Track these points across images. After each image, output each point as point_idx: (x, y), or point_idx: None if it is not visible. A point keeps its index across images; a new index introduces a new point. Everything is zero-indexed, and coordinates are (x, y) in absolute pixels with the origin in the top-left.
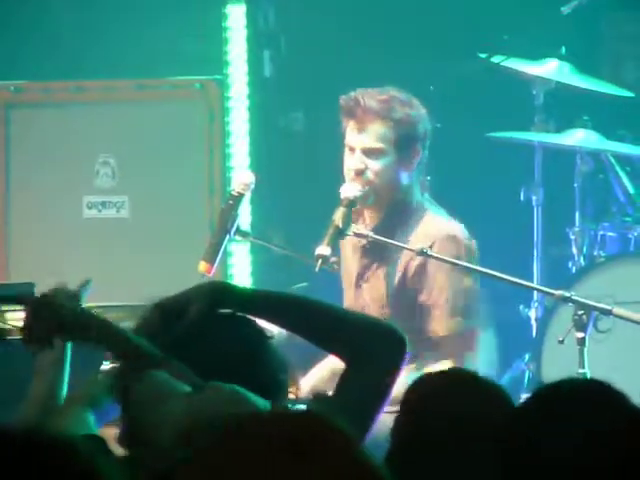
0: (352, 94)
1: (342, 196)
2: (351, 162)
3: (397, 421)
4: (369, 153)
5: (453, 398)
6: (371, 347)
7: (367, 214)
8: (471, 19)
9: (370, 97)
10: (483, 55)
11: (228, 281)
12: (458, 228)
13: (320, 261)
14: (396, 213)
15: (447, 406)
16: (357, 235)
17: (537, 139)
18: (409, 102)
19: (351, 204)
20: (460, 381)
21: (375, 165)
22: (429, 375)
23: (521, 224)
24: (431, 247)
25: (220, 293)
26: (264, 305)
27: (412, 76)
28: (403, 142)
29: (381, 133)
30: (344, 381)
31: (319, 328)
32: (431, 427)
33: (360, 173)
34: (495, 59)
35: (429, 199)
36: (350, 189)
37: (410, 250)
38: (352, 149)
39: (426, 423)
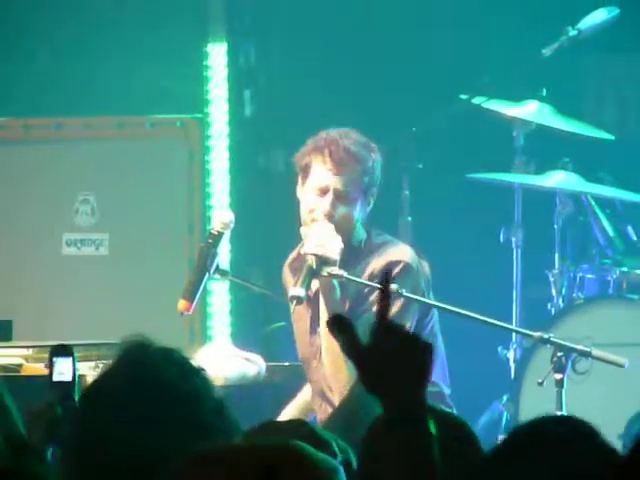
0: (325, 133)
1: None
2: (322, 204)
3: None
4: (341, 197)
5: None
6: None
7: None
8: (452, 61)
9: (346, 139)
10: (464, 96)
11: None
12: (399, 253)
13: (294, 302)
14: (350, 253)
15: None
16: (331, 276)
17: (517, 181)
18: (372, 147)
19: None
20: None
21: (345, 210)
22: None
23: (500, 265)
24: (374, 275)
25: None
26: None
27: (394, 117)
28: (369, 187)
29: (355, 178)
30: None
31: None
32: None
33: (330, 217)
34: (476, 100)
35: (378, 232)
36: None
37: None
38: (324, 190)
39: None
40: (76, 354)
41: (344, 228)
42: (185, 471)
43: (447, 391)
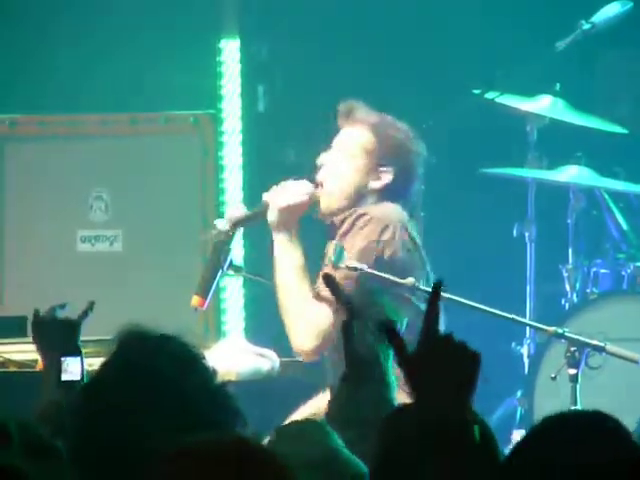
0: (348, 102)
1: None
2: (320, 158)
3: None
4: (341, 151)
5: None
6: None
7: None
8: (466, 55)
9: (363, 109)
10: (477, 91)
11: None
12: (375, 208)
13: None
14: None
15: None
16: (349, 268)
17: (530, 175)
18: (402, 130)
19: None
20: None
21: (336, 166)
22: None
23: (514, 260)
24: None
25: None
26: None
27: (407, 112)
28: (374, 158)
29: (359, 140)
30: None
31: None
32: None
33: (321, 166)
34: (489, 95)
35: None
36: None
37: (401, 284)
38: (334, 143)
39: None
40: (90, 350)
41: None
42: (159, 466)
43: None
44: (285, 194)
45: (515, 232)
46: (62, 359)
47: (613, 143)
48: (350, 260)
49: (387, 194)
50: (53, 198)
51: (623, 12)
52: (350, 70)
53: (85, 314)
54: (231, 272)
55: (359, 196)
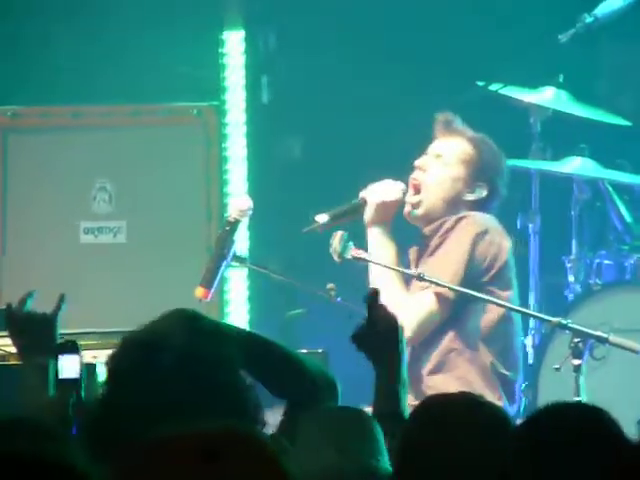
0: (448, 113)
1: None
2: (417, 161)
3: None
4: (438, 158)
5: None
6: (311, 395)
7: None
8: (469, 48)
9: (462, 124)
10: (481, 83)
11: (190, 308)
12: (477, 213)
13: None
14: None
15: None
16: (356, 259)
17: (534, 167)
18: (497, 151)
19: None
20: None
21: (437, 172)
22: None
23: (518, 252)
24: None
25: (195, 320)
26: (235, 336)
27: (411, 104)
28: (471, 170)
29: (458, 150)
30: (284, 418)
31: (271, 373)
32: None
33: (420, 169)
34: (493, 87)
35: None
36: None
37: (408, 274)
38: (431, 151)
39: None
40: (94, 342)
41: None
42: (132, 458)
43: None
44: (382, 191)
45: (519, 224)
46: (59, 356)
47: (617, 135)
48: (356, 250)
49: (477, 208)
50: (56, 189)
51: (626, 5)
52: (354, 62)
53: (58, 308)
54: (235, 263)
55: (452, 206)
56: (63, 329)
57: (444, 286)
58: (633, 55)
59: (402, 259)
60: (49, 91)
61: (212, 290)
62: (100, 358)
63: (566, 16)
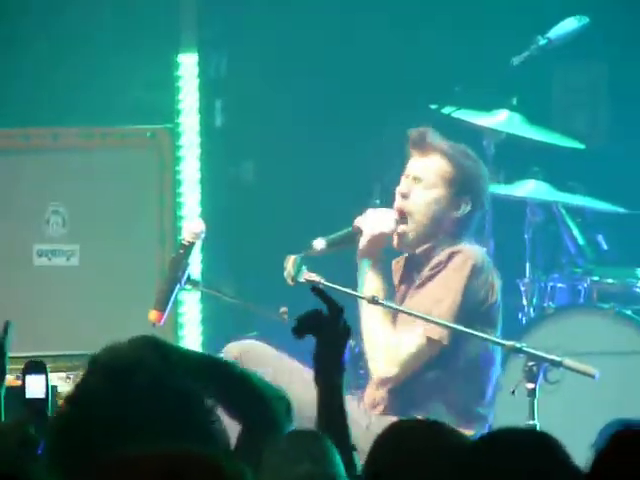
0: (420, 129)
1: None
2: (399, 187)
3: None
4: (417, 181)
5: None
6: (266, 419)
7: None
8: (422, 70)
9: (438, 137)
10: (434, 106)
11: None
12: (470, 247)
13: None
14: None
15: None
16: (309, 282)
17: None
18: (477, 162)
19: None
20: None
21: (420, 196)
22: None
23: None
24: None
25: (161, 347)
26: (194, 362)
27: (362, 127)
28: (454, 188)
29: (437, 169)
30: (241, 442)
31: (231, 397)
32: None
33: (404, 196)
34: (446, 110)
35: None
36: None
37: (361, 298)
38: (407, 176)
39: None
40: (47, 365)
41: (416, 213)
42: (97, 476)
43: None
44: (376, 221)
45: None
46: (26, 376)
47: (570, 158)
48: (309, 274)
49: (463, 223)
50: (9, 212)
51: (579, 27)
52: (308, 86)
53: (5, 333)
54: (189, 286)
55: (439, 226)
56: (14, 352)
57: (399, 310)
58: (586, 77)
59: (389, 292)
60: (6, 113)
61: (165, 313)
62: (53, 381)
63: (520, 39)
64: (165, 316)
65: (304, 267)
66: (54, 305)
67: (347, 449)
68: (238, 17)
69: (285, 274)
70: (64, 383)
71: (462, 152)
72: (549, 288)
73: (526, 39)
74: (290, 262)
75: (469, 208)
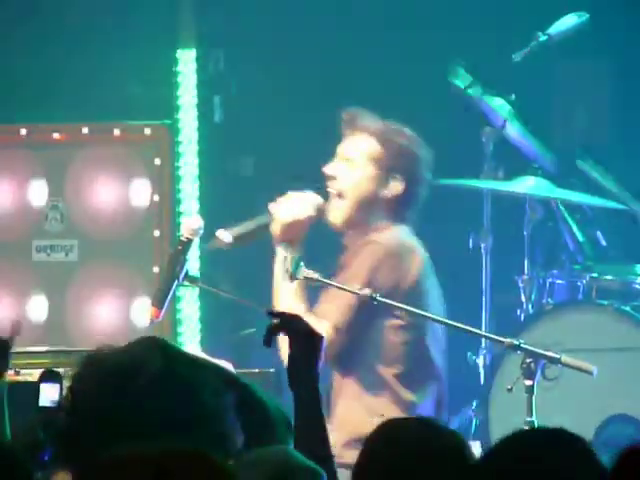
0: (352, 110)
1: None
2: (327, 167)
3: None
4: (347, 162)
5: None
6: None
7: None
8: (423, 65)
9: (368, 117)
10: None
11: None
12: (387, 235)
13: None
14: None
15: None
16: (307, 279)
17: (486, 186)
18: (409, 138)
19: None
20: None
21: (350, 176)
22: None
23: (470, 271)
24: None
25: (166, 348)
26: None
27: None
28: (383, 166)
29: (364, 147)
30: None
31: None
32: None
33: (332, 177)
34: (464, 86)
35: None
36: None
37: (357, 294)
38: (339, 154)
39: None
40: (44, 361)
41: (346, 190)
42: (88, 475)
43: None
44: (292, 207)
45: (471, 243)
46: (41, 385)
47: (570, 154)
48: (307, 271)
49: (398, 203)
50: (8, 208)
51: (579, 24)
52: (305, 82)
53: (15, 334)
54: (187, 283)
55: (371, 206)
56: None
57: (397, 307)
58: (586, 74)
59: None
60: (1, 109)
61: (163, 310)
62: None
63: (520, 35)
64: (163, 313)
65: (302, 264)
66: (52, 300)
67: (328, 454)
68: (236, 13)
69: (284, 271)
70: (64, 380)
71: (396, 131)
72: (548, 284)
73: (526, 35)
74: (288, 260)
75: (402, 187)
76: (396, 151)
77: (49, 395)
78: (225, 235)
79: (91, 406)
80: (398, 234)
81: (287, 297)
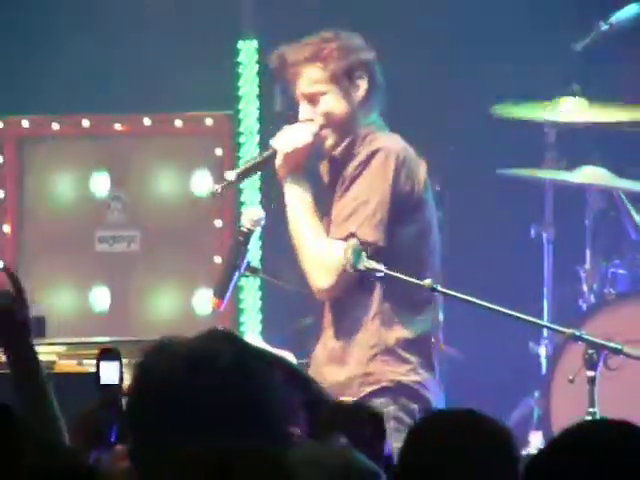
0: (275, 52)
1: None
2: (300, 115)
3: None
4: (310, 99)
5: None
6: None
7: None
8: (481, 60)
9: (294, 50)
10: (497, 106)
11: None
12: (389, 141)
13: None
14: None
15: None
16: (369, 270)
17: (548, 177)
18: (336, 37)
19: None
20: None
21: (320, 108)
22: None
23: (532, 261)
24: (360, 165)
25: (237, 341)
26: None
27: (426, 113)
28: (338, 77)
29: (313, 76)
30: None
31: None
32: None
33: (310, 120)
34: (507, 112)
35: (380, 124)
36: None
37: (420, 285)
38: (300, 99)
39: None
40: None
41: (331, 122)
42: (150, 470)
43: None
44: (289, 137)
45: (533, 233)
46: (100, 363)
47: (631, 143)
48: (369, 262)
49: (371, 95)
50: (71, 198)
51: None
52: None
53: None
54: (248, 273)
55: (352, 116)
56: (75, 337)
57: (461, 299)
58: None
59: (320, 207)
60: (64, 100)
61: (225, 300)
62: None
63: (581, 25)
64: (225, 303)
65: (363, 254)
66: (115, 291)
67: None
68: (296, 2)
69: (344, 261)
70: (125, 369)
71: (323, 41)
72: (610, 274)
73: (588, 25)
74: (349, 250)
75: (365, 79)
76: (337, 56)
77: (109, 373)
78: (229, 174)
79: (159, 394)
80: (397, 138)
81: (302, 227)
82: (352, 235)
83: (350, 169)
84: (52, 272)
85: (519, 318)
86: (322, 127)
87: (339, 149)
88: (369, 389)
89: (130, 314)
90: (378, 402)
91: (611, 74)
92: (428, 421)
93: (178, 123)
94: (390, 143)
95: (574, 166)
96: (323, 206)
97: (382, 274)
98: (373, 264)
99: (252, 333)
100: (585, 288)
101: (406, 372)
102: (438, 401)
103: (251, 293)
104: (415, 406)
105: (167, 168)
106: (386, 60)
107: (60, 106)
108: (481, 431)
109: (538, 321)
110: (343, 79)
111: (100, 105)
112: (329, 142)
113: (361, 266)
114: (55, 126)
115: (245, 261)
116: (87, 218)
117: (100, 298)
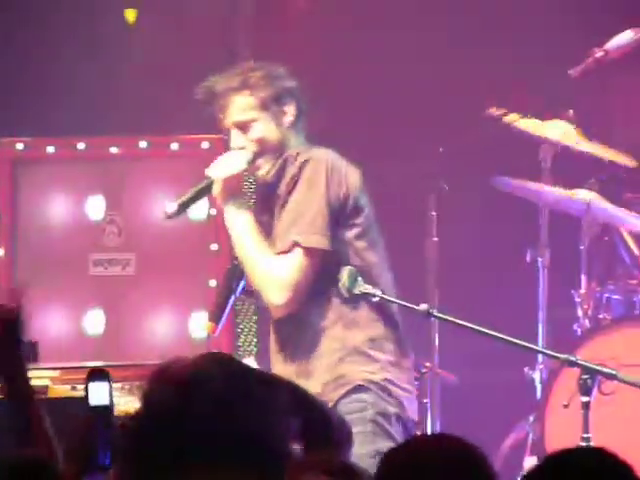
0: (202, 85)
1: None
2: (233, 143)
3: None
4: (242, 127)
5: None
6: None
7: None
8: (480, 80)
9: (221, 81)
10: (495, 111)
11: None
12: (317, 152)
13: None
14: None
15: None
16: (365, 294)
17: (543, 189)
18: (260, 66)
19: None
20: None
21: (252, 135)
22: None
23: (527, 285)
24: (292, 179)
25: (234, 365)
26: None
27: (425, 132)
28: (267, 103)
29: (243, 104)
30: None
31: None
32: None
33: (241, 147)
34: (507, 119)
35: (308, 146)
36: None
37: (414, 309)
38: (232, 127)
39: None
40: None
41: (262, 148)
42: None
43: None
44: (224, 165)
45: (528, 257)
46: (89, 384)
47: (626, 170)
48: (365, 286)
49: (299, 117)
50: (66, 221)
51: (636, 39)
52: (362, 90)
53: (32, 351)
54: (244, 297)
55: (281, 141)
56: (67, 362)
57: (459, 324)
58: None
59: (262, 229)
60: (59, 122)
61: (220, 325)
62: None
63: (576, 51)
64: (220, 328)
65: (360, 279)
66: (110, 314)
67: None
68: (292, 23)
69: (340, 285)
70: (119, 394)
71: (248, 70)
72: (604, 299)
73: (583, 51)
74: (345, 274)
75: (294, 108)
76: (264, 84)
77: (99, 394)
78: (170, 206)
79: (162, 419)
80: (326, 150)
81: (248, 248)
82: (296, 244)
83: (283, 186)
84: (46, 295)
85: (514, 343)
86: (255, 153)
87: (272, 172)
88: (343, 390)
89: (125, 338)
90: (356, 404)
91: (605, 101)
92: (399, 450)
93: (174, 146)
94: (318, 153)
95: (569, 190)
96: (264, 230)
97: (377, 298)
98: (369, 289)
99: (247, 357)
100: (580, 313)
101: (376, 370)
102: (410, 399)
103: (246, 317)
104: (391, 409)
105: (162, 191)
106: (385, 60)
107: (55, 128)
108: (450, 452)
109: (533, 346)
110: (272, 105)
111: (96, 128)
112: (264, 169)
113: (357, 290)
114: (50, 149)
115: (241, 284)
116: (82, 241)
117: (95, 321)
